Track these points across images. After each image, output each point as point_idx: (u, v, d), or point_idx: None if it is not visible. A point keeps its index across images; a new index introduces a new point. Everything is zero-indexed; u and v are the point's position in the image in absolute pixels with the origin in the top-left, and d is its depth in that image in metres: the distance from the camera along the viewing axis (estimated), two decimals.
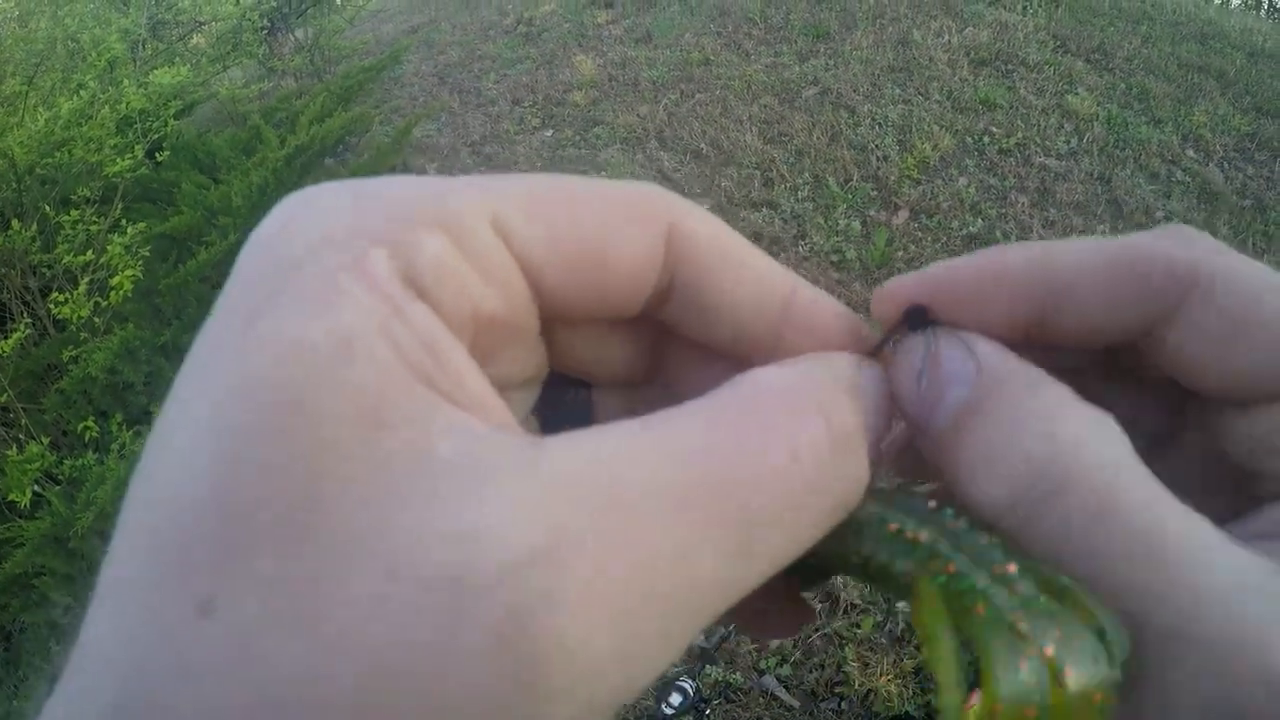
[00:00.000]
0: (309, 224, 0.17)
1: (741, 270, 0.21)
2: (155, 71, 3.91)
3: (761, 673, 2.06)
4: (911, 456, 0.24)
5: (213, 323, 0.16)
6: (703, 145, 3.75)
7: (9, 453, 2.72)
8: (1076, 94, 3.84)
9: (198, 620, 0.13)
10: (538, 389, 0.23)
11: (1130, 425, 0.20)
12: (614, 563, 0.14)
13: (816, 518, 0.17)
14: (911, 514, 0.20)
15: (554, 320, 0.21)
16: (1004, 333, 0.22)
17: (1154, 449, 0.22)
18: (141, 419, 3.00)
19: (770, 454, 0.16)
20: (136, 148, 3.39)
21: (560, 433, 0.17)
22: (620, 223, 0.20)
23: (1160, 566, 0.17)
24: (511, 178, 0.19)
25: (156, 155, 3.70)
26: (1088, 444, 0.18)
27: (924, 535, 0.19)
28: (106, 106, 3.48)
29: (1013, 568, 0.18)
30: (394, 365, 0.15)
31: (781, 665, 2.07)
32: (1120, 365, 0.24)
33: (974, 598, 0.18)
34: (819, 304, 0.22)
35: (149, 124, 3.67)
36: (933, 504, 0.20)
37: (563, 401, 0.25)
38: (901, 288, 0.23)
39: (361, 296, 0.15)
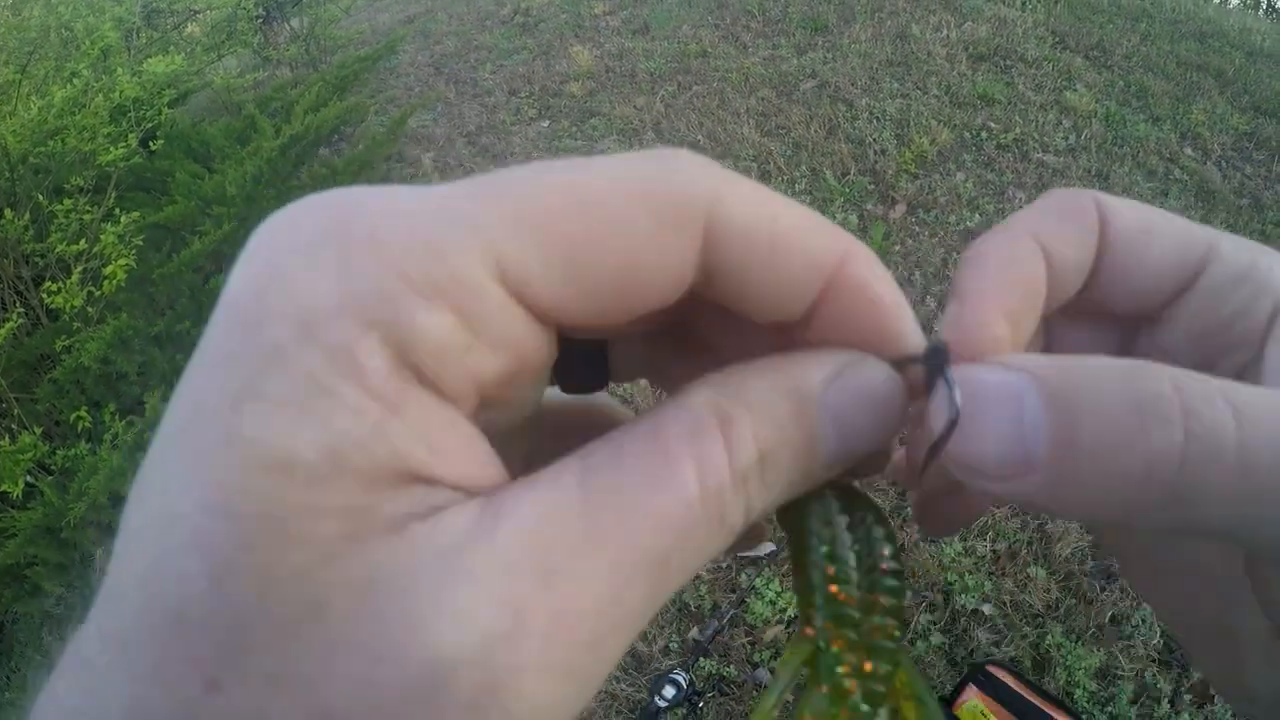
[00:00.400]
0: (290, 292, 0.15)
1: (786, 254, 0.19)
2: (149, 60, 3.89)
3: (755, 665, 2.07)
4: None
5: (190, 392, 0.16)
6: (700, 137, 3.74)
7: (1, 443, 2.70)
8: (1075, 90, 3.83)
9: (207, 694, 0.14)
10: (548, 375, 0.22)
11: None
12: (564, 628, 0.16)
13: (723, 542, 0.18)
14: (828, 537, 0.22)
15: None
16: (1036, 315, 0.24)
17: None
18: (134, 409, 2.99)
19: (683, 492, 0.17)
20: (130, 136, 3.37)
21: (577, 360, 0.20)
22: (650, 232, 0.18)
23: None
24: (520, 181, 0.17)
25: (150, 144, 3.68)
26: (1182, 373, 0.18)
27: (820, 568, 0.21)
28: (100, 95, 3.47)
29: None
30: (382, 474, 0.15)
31: (775, 658, 2.07)
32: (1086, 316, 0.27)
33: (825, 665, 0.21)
34: (867, 283, 0.21)
35: (143, 113, 3.66)
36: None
37: (578, 360, 0.24)
38: (978, 318, 0.23)
39: (351, 399, 0.15)
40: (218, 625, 0.14)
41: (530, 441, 0.23)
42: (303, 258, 0.16)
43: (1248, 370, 0.23)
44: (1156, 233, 0.24)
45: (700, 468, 0.17)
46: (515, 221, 0.17)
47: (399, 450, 0.15)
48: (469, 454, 0.17)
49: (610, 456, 0.17)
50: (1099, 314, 0.26)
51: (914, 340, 0.22)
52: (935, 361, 0.21)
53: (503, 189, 0.17)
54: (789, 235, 0.19)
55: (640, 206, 0.17)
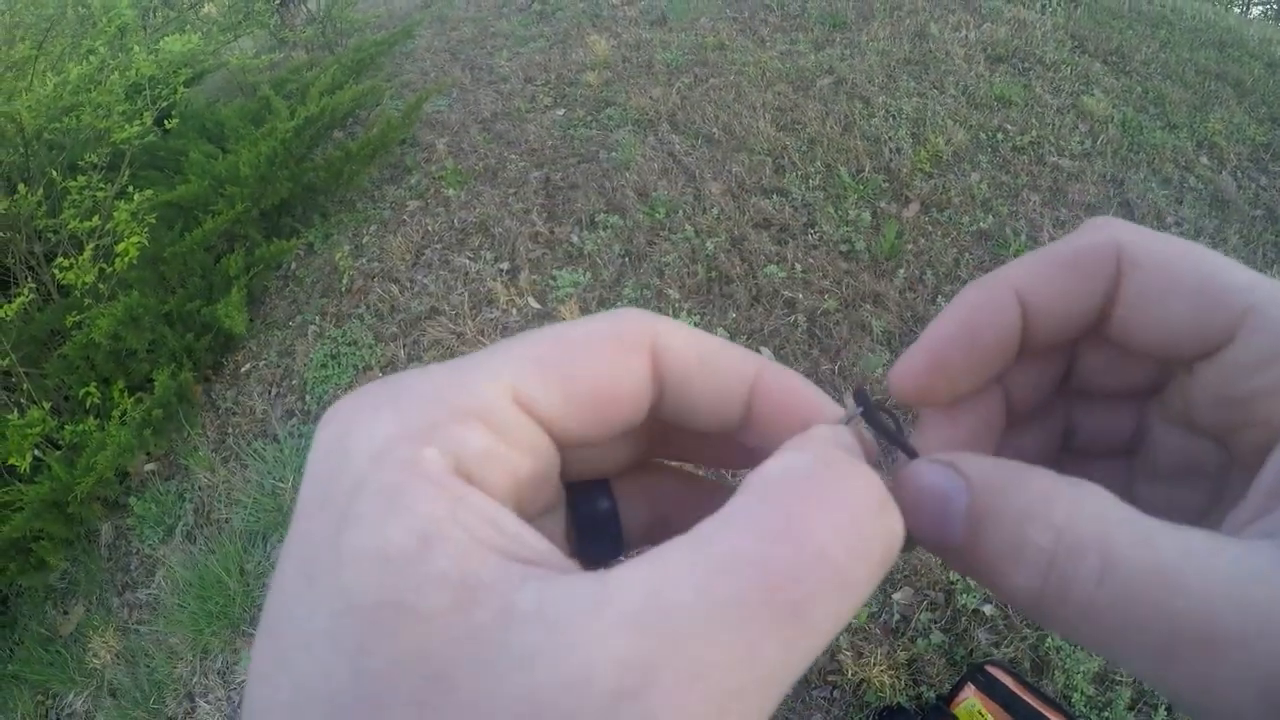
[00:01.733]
0: (362, 436, 0.19)
1: (713, 367, 0.25)
2: (165, 39, 3.88)
3: None
4: None
5: (298, 538, 0.19)
6: (715, 130, 3.73)
7: (10, 417, 2.72)
8: (1092, 95, 3.81)
9: None
10: (562, 505, 0.27)
11: (1109, 434, 0.29)
12: (691, 683, 0.16)
13: (868, 576, 0.19)
14: None
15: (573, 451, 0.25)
16: (1009, 355, 0.27)
17: (1132, 451, 0.29)
18: (143, 386, 3.00)
19: (804, 538, 0.18)
20: (145, 114, 3.37)
21: (594, 528, 0.25)
22: (617, 358, 0.23)
23: (1172, 591, 0.19)
24: (518, 343, 0.23)
25: (165, 123, 3.69)
26: (1081, 518, 0.21)
27: None
28: (116, 73, 3.47)
29: None
30: (468, 545, 0.18)
31: None
32: (1087, 384, 0.29)
33: None
34: (784, 385, 0.26)
35: (158, 91, 3.66)
36: None
37: (589, 500, 0.29)
38: (910, 371, 0.27)
39: (425, 495, 0.18)
40: (361, 710, 0.16)
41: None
42: (367, 414, 0.20)
43: (1260, 456, 0.23)
44: (1185, 290, 0.24)
45: (827, 518, 0.19)
46: (522, 361, 0.22)
47: (473, 528, 0.18)
48: (529, 535, 0.19)
49: (718, 525, 0.19)
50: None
51: (834, 411, 0.26)
52: (864, 401, 0.26)
53: (512, 344, 0.23)
54: (714, 354, 0.25)
55: (603, 341, 0.23)
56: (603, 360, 0.23)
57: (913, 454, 0.27)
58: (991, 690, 1.72)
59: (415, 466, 0.18)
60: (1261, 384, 0.23)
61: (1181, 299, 0.24)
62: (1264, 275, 0.24)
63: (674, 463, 0.31)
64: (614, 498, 0.29)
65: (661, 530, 0.30)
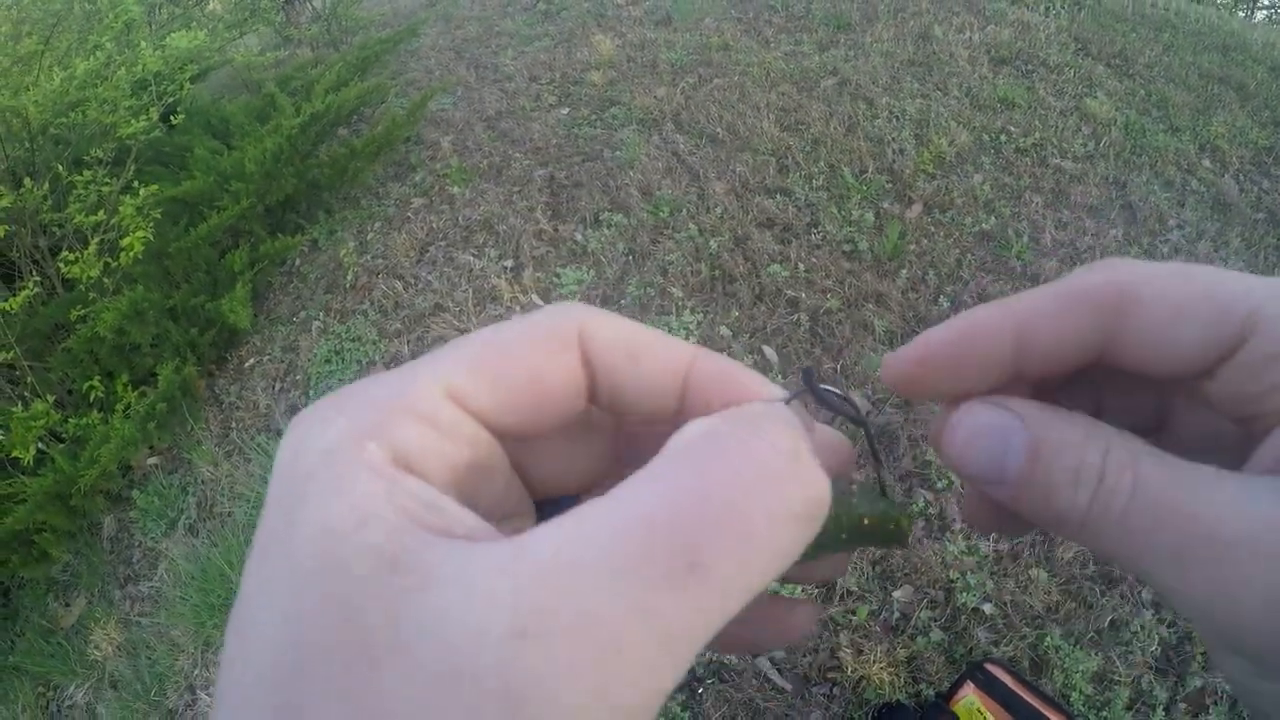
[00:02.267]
0: (316, 438, 0.22)
1: (638, 356, 0.26)
2: (172, 35, 3.89)
3: (756, 655, 2.08)
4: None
5: (264, 521, 0.21)
6: (719, 130, 3.74)
7: (14, 410, 2.72)
8: (1095, 97, 3.82)
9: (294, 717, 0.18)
10: (532, 519, 0.29)
11: (1137, 417, 0.30)
12: (582, 632, 0.17)
13: (781, 533, 0.20)
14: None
15: (520, 445, 0.27)
16: (997, 374, 0.28)
17: (1158, 428, 0.31)
18: (147, 380, 3.01)
19: (708, 493, 0.19)
20: (151, 110, 3.38)
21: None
22: (542, 348, 0.25)
23: (1189, 501, 0.22)
24: (456, 346, 0.25)
25: (171, 119, 3.69)
26: (1119, 448, 0.24)
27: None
28: (122, 68, 3.47)
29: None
30: (398, 522, 0.19)
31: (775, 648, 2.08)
32: (1112, 373, 0.30)
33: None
34: (719, 370, 0.27)
35: (164, 87, 3.67)
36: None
37: (555, 508, 0.29)
38: (899, 360, 0.29)
39: (365, 479, 0.20)
40: (299, 668, 0.18)
41: None
42: (319, 420, 0.22)
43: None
44: (1188, 316, 0.25)
45: (740, 468, 0.21)
46: (457, 362, 0.24)
47: (406, 508, 0.20)
48: (462, 514, 0.21)
49: (631, 486, 0.20)
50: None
51: (773, 391, 0.27)
52: (809, 380, 0.28)
53: (451, 347, 0.24)
54: (644, 344, 0.26)
55: (532, 335, 0.25)
56: (530, 354, 0.25)
57: (866, 428, 0.29)
58: (991, 688, 1.72)
59: (358, 459, 0.21)
60: (1272, 380, 0.24)
61: (1187, 325, 0.25)
62: (1258, 277, 0.25)
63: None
64: None
65: None
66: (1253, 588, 0.21)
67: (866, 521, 0.28)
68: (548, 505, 0.30)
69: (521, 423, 0.25)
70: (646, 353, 0.26)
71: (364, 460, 0.21)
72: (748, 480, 0.20)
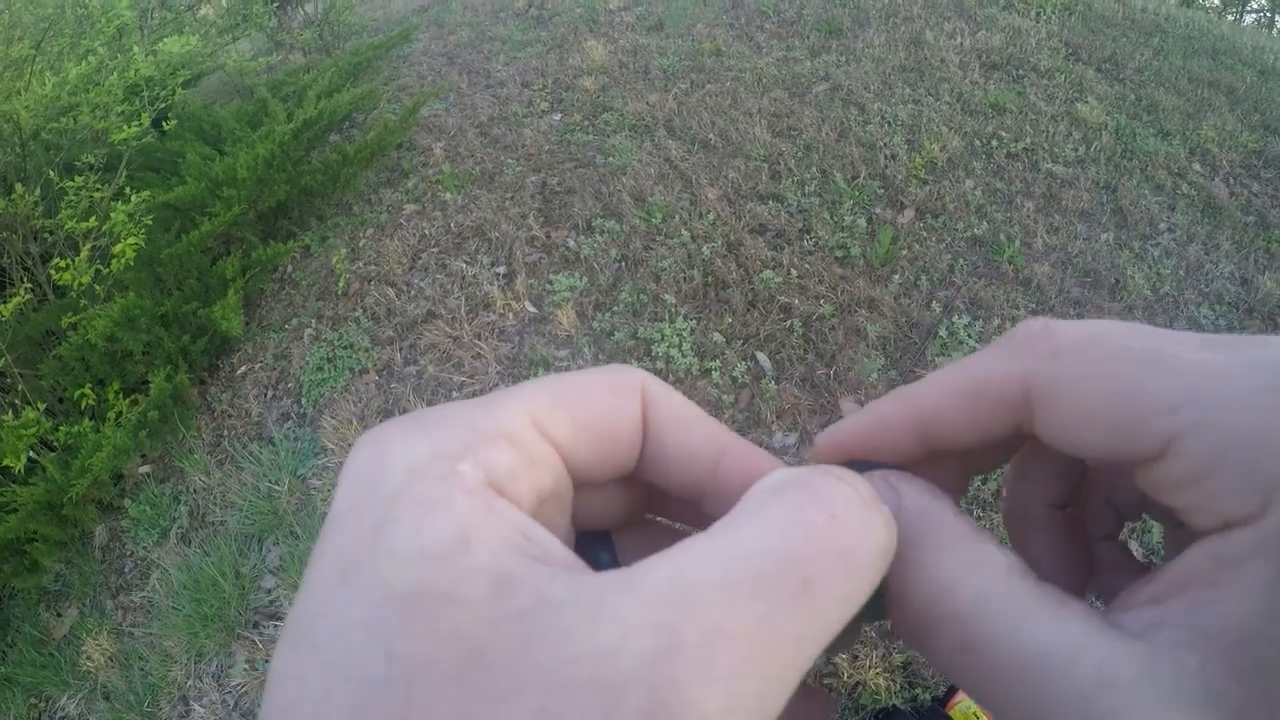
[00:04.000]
0: (399, 454, 0.21)
1: (688, 425, 0.27)
2: (164, 40, 3.88)
3: None
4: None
5: (331, 544, 0.20)
6: (711, 136, 3.74)
7: (4, 418, 2.71)
8: (1086, 102, 3.83)
9: None
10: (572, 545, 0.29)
11: (1046, 487, 0.30)
12: (714, 646, 0.18)
13: (871, 560, 0.21)
14: None
15: (580, 485, 0.27)
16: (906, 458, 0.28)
17: (1072, 501, 0.31)
18: (139, 388, 3.00)
19: (811, 522, 0.21)
20: (143, 115, 3.37)
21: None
22: (616, 399, 0.26)
23: (1023, 684, 0.21)
24: (530, 383, 0.25)
25: (163, 124, 3.68)
26: (959, 587, 0.23)
27: None
28: (114, 73, 3.46)
29: None
30: (501, 545, 0.19)
31: None
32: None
33: None
34: (750, 455, 0.27)
35: (156, 92, 3.65)
36: None
37: (593, 552, 0.30)
38: (821, 449, 0.29)
39: (462, 501, 0.20)
40: (394, 693, 0.18)
41: None
42: (401, 437, 0.22)
43: None
44: (1102, 428, 0.24)
45: (831, 503, 0.22)
46: (537, 395, 0.24)
47: (504, 532, 0.20)
48: (553, 543, 0.21)
49: (732, 521, 0.21)
50: None
51: None
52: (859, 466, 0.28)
53: (524, 384, 0.25)
54: (692, 416, 0.27)
55: (608, 385, 0.26)
56: (603, 399, 0.26)
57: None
58: None
59: (451, 479, 0.21)
60: (1180, 504, 0.23)
61: (1099, 436, 0.24)
62: (1197, 369, 0.22)
63: (665, 520, 0.33)
64: (614, 551, 0.31)
65: None
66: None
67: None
68: (582, 543, 0.30)
69: (590, 462, 0.26)
70: (696, 425, 0.27)
71: (457, 481, 0.21)
72: (843, 516, 0.21)
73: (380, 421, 1.60)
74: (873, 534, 0.22)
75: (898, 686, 1.99)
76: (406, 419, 0.23)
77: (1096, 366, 0.24)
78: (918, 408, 0.28)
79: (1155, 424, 0.22)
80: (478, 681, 0.18)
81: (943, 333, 2.75)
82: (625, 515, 0.31)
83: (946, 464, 0.30)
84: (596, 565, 0.28)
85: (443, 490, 0.20)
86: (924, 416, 0.27)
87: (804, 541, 0.20)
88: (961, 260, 3.03)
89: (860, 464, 0.28)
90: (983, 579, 0.23)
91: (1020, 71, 4.09)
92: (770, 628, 0.19)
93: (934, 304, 2.87)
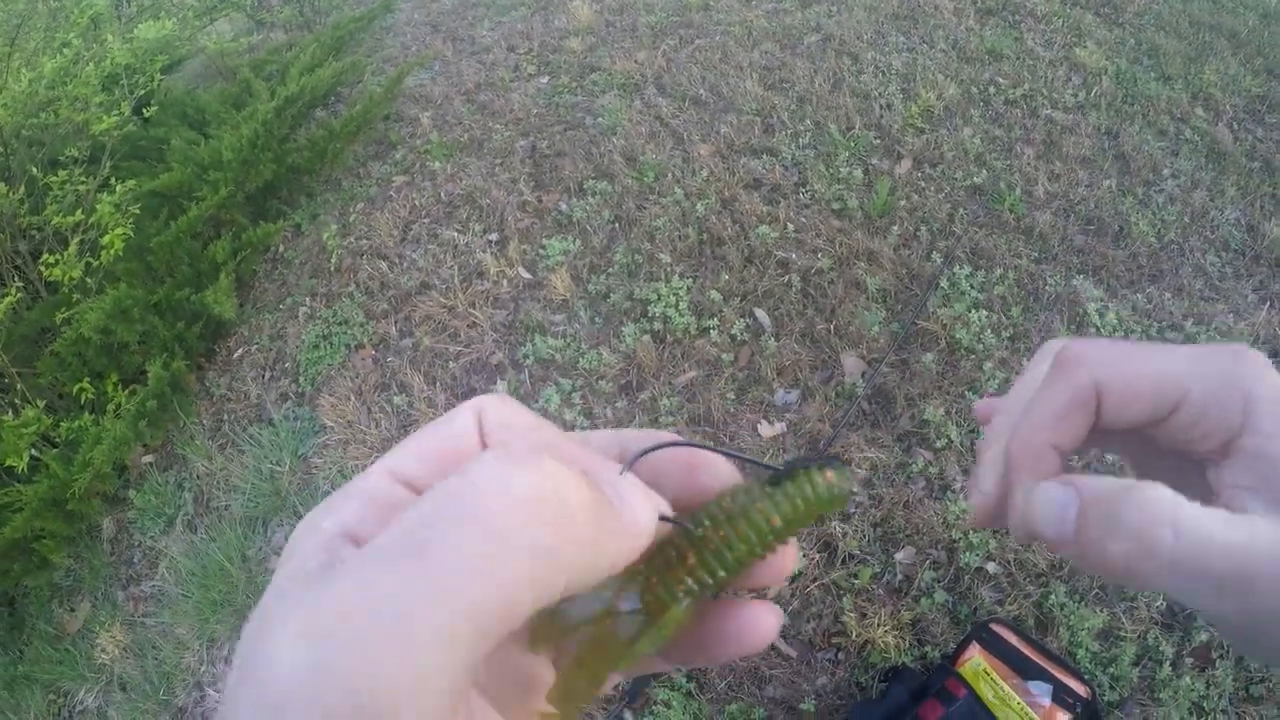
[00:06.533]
0: (307, 519, 0.27)
1: (511, 425, 0.30)
2: (140, 26, 3.83)
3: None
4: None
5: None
6: (702, 91, 3.68)
7: (4, 418, 2.71)
8: (1085, 47, 3.75)
9: None
10: None
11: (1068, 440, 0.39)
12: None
13: (511, 513, 0.23)
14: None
15: None
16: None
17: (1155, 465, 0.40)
18: (137, 378, 2.98)
19: (442, 492, 0.24)
20: (123, 104, 3.33)
21: None
22: (447, 424, 0.29)
23: (1225, 543, 0.30)
24: (411, 436, 0.30)
25: (144, 111, 3.64)
26: (1156, 506, 0.31)
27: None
28: (91, 64, 3.43)
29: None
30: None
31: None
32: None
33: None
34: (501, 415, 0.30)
35: (135, 80, 3.62)
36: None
37: None
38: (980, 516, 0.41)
39: (308, 548, 0.25)
40: None
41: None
42: (315, 508, 0.28)
43: (1229, 452, 0.35)
44: (1142, 400, 0.36)
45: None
46: (403, 448, 0.29)
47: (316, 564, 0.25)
48: None
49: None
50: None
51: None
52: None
53: (404, 441, 0.30)
54: (517, 425, 0.30)
55: (445, 418, 0.30)
56: (437, 428, 0.29)
57: (738, 458, 0.32)
58: (996, 648, 1.71)
59: (313, 533, 0.26)
60: (1191, 436, 0.35)
61: (1142, 403, 0.36)
62: (1193, 356, 0.36)
63: None
64: None
65: None
66: (1268, 607, 0.29)
67: (779, 519, 0.30)
68: None
69: (436, 478, 0.27)
70: (524, 435, 0.30)
71: (316, 533, 0.26)
72: (481, 480, 0.23)
73: (378, 396, 1.58)
74: (517, 488, 0.23)
75: (907, 644, 1.98)
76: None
77: (1134, 364, 0.36)
78: (1046, 430, 0.37)
79: (1172, 390, 0.35)
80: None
81: (944, 283, 2.71)
82: None
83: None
84: None
85: (303, 543, 0.26)
86: (1050, 439, 0.37)
87: (432, 505, 0.23)
88: (961, 210, 2.98)
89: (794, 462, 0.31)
90: (1169, 495, 0.31)
91: (1016, 16, 4.00)
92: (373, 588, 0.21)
93: (934, 254, 2.83)
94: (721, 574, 0.29)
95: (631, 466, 0.29)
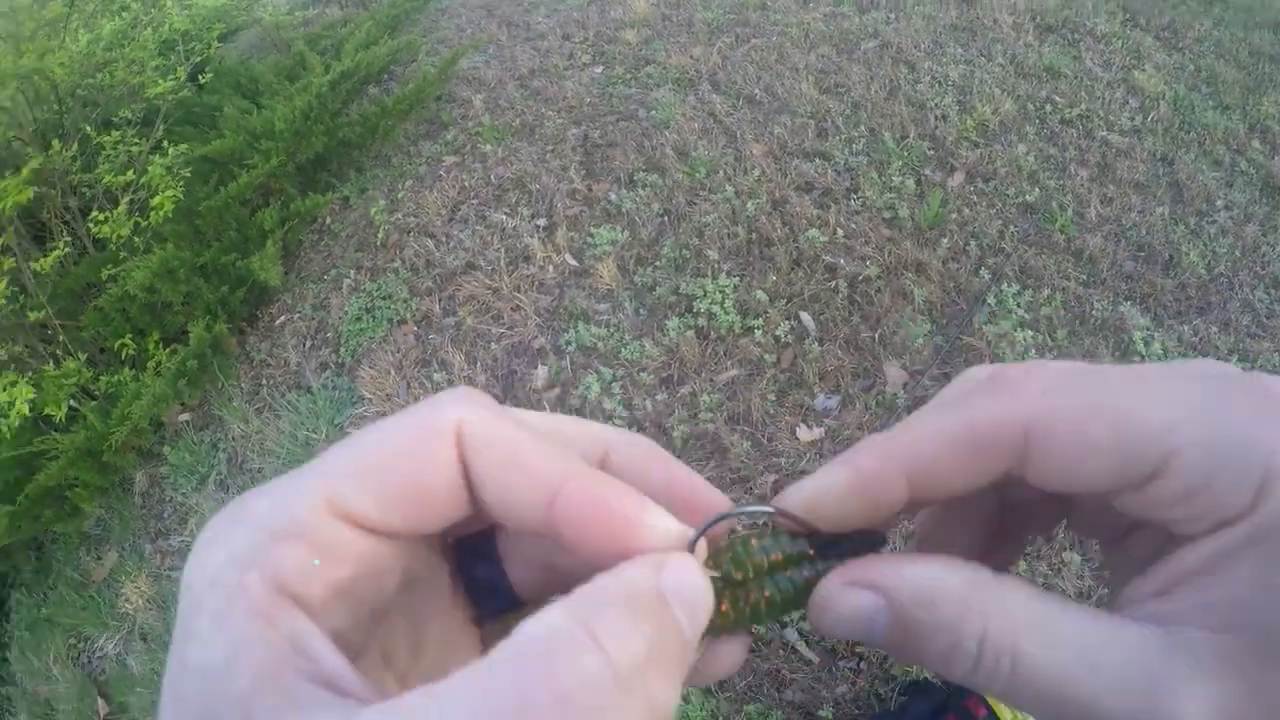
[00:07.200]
0: (204, 564, 0.23)
1: (509, 466, 0.25)
2: None
3: (784, 625, 2.06)
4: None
5: (170, 648, 0.22)
6: (757, 91, 3.66)
7: (46, 368, 2.73)
8: (1144, 70, 3.71)
9: None
10: (439, 572, 0.30)
11: (1043, 512, 0.33)
12: None
13: None
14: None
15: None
16: (889, 510, 0.28)
17: (1063, 505, 0.32)
18: (178, 338, 3.01)
19: (531, 707, 0.18)
20: (179, 70, 3.36)
21: (482, 589, 0.30)
22: (424, 453, 0.25)
23: (1067, 684, 0.24)
24: (339, 450, 0.25)
25: (199, 78, 3.67)
26: (996, 629, 0.24)
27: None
28: (149, 28, 3.46)
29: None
30: (265, 668, 0.20)
31: (804, 619, 2.05)
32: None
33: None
34: (592, 494, 0.25)
35: (191, 47, 3.65)
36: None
37: (472, 565, 0.31)
38: (807, 499, 0.29)
39: (242, 621, 0.21)
40: None
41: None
42: (208, 544, 0.23)
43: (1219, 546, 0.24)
44: (1098, 457, 0.25)
45: (564, 683, 0.19)
46: (339, 472, 0.24)
47: (275, 650, 0.21)
48: (325, 656, 0.22)
49: (466, 681, 0.19)
50: None
51: (654, 523, 0.25)
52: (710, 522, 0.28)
53: (334, 452, 0.25)
54: (518, 454, 0.25)
55: (411, 434, 0.25)
56: (411, 457, 0.25)
57: (816, 538, 0.29)
58: None
59: (238, 593, 0.22)
60: (1175, 516, 0.24)
61: (1096, 465, 0.25)
62: (1179, 400, 0.24)
63: None
64: (497, 557, 0.30)
65: (554, 579, 0.30)
66: None
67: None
68: (462, 554, 0.31)
69: (405, 524, 0.25)
70: (515, 464, 0.25)
71: (244, 592, 0.22)
72: (578, 698, 0.19)
73: (418, 372, 1.58)
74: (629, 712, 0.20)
75: None
76: (223, 516, 0.24)
77: (1091, 399, 0.25)
78: (911, 458, 0.27)
79: (1150, 449, 0.24)
80: None
81: (991, 300, 2.69)
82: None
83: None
84: (475, 579, 0.30)
85: (227, 605, 0.22)
86: (917, 467, 0.27)
87: None
88: (1012, 227, 2.96)
89: (829, 543, 0.29)
90: (1015, 607, 0.25)
91: (1076, 35, 3.97)
92: None
93: (983, 270, 2.80)
94: (741, 623, 0.28)
95: (698, 540, 0.26)
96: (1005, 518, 0.33)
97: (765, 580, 0.28)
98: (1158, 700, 0.22)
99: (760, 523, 0.29)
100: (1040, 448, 0.25)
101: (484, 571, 0.30)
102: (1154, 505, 0.25)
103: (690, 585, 0.23)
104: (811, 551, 0.29)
